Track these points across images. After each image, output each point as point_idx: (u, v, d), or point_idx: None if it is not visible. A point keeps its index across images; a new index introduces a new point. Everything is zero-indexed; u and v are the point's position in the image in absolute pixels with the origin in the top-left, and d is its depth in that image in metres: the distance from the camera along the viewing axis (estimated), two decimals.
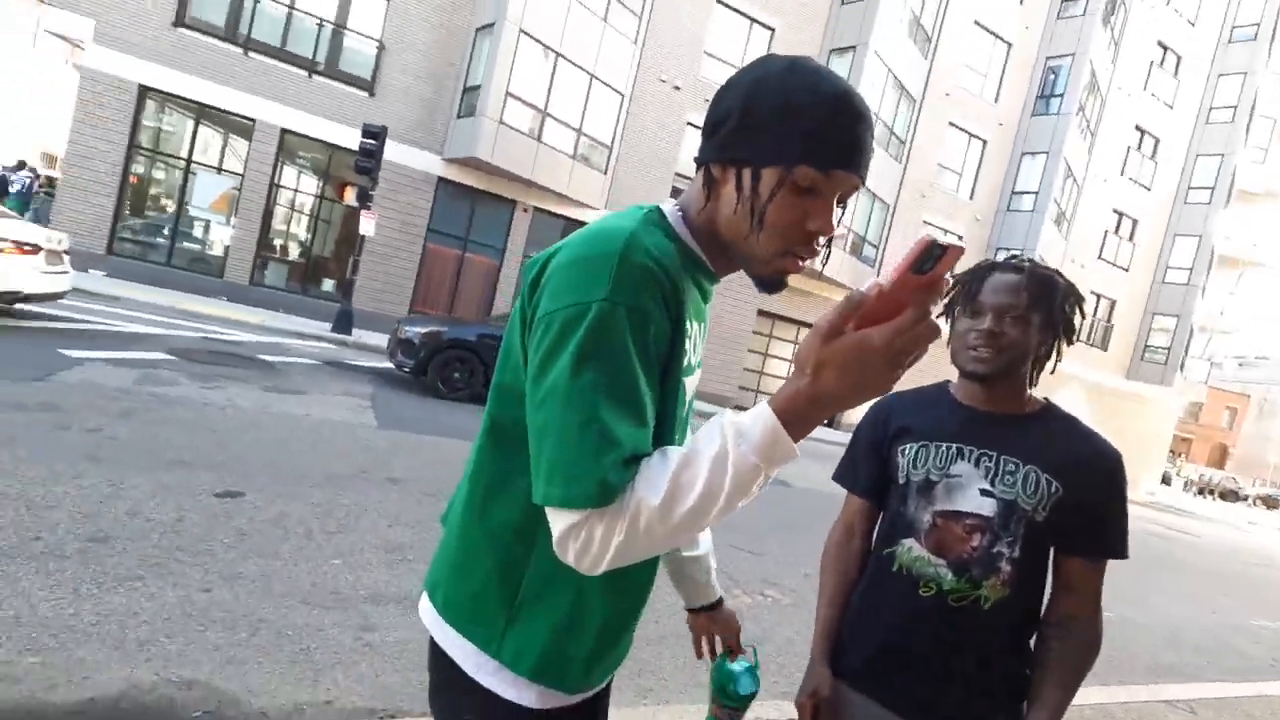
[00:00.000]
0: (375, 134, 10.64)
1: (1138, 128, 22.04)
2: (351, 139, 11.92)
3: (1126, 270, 22.73)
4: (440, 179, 13.13)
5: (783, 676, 2.91)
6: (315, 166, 12.74)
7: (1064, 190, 19.44)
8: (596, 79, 13.38)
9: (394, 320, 8.65)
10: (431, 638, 0.84)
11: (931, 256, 0.57)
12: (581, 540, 0.66)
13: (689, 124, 15.07)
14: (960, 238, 18.97)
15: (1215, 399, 45.70)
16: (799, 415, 0.62)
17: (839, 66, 15.91)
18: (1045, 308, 1.05)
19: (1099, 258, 22.06)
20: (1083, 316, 1.11)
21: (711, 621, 1.17)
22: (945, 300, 1.15)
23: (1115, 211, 22.17)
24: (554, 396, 0.66)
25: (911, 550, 1.10)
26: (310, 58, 12.09)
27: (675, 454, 0.65)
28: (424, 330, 7.86)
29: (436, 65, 12.84)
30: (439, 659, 0.83)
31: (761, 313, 16.89)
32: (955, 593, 1.05)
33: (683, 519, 0.63)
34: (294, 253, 12.95)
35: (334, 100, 12.25)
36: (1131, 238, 22.69)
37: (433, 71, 12.85)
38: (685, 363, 0.77)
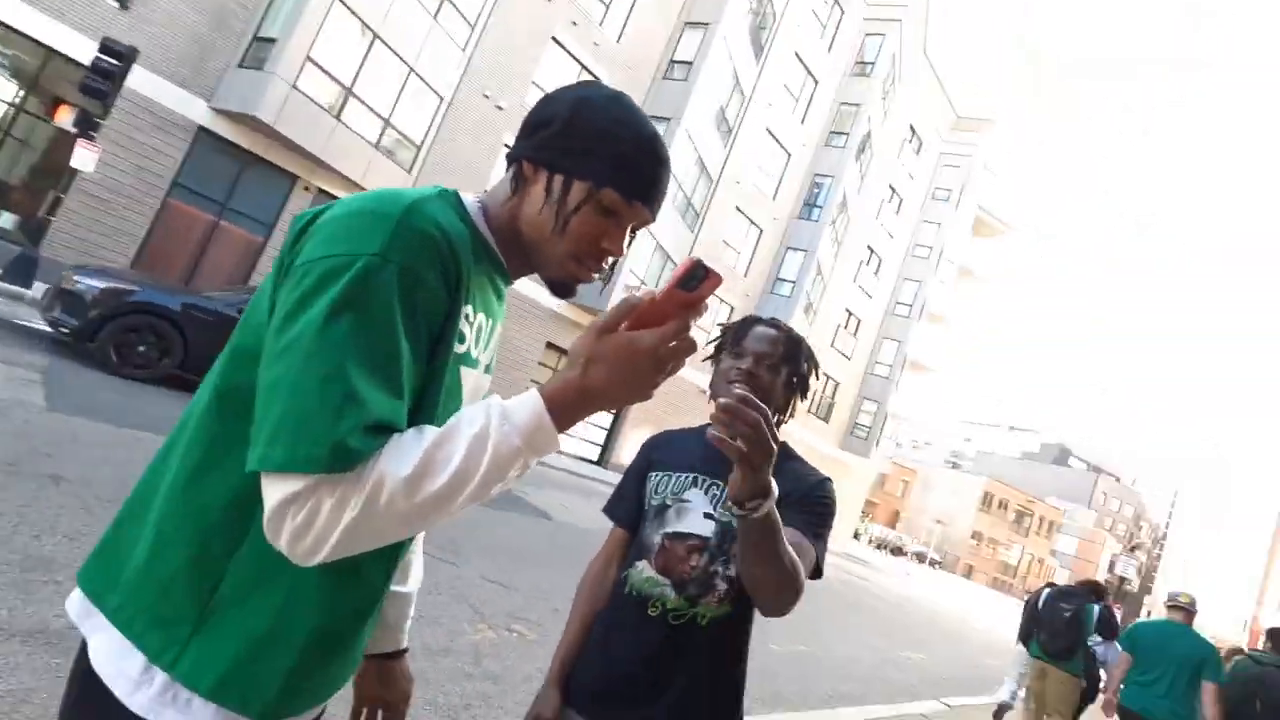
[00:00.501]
0: (119, 53, 8.66)
1: (868, 247, 27.37)
2: (85, 50, 9.57)
3: (849, 359, 27.69)
4: (202, 129, 11.11)
5: (518, 715, 2.80)
6: (18, 68, 9.92)
7: (814, 284, 23.19)
8: (416, 74, 12.64)
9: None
10: (78, 657, 0.68)
11: (695, 276, 0.64)
12: (304, 515, 0.56)
13: (506, 146, 14.96)
14: (732, 309, 21.43)
15: (895, 473, 57.18)
16: (567, 405, 0.63)
17: None
18: (793, 364, 1.21)
19: (831, 345, 26.56)
20: (817, 379, 1.30)
21: (381, 677, 0.98)
22: (714, 344, 1.27)
23: (847, 310, 27.03)
24: (295, 348, 0.59)
25: (643, 571, 1.15)
26: None
27: (431, 430, 0.62)
28: (102, 285, 6.18)
29: (197, 27, 11.00)
30: (84, 682, 0.66)
31: (550, 345, 17.04)
32: (675, 611, 1.11)
33: (431, 497, 0.59)
34: None
35: None
36: (855, 333, 27.80)
37: (215, 4, 10.99)
38: (463, 350, 0.73)
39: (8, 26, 9.49)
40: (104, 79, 8.59)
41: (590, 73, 16.37)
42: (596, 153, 0.73)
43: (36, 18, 9.60)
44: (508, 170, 0.79)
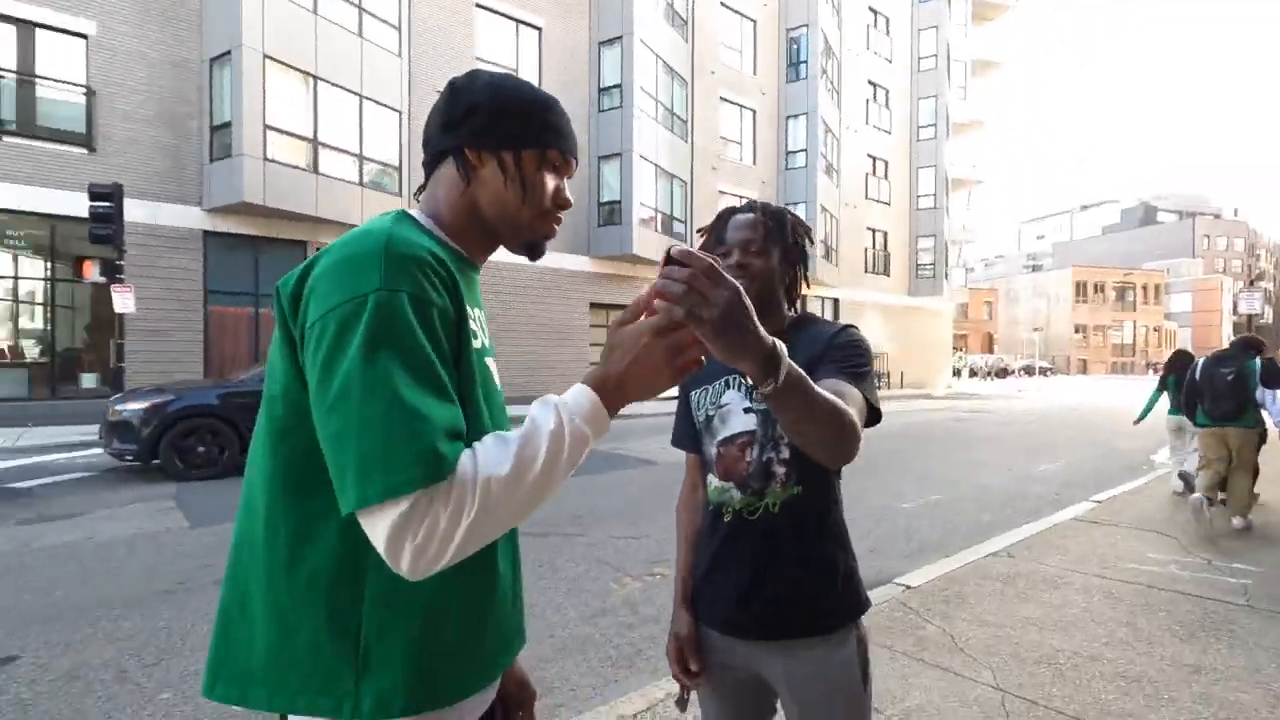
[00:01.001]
0: (107, 194, 9.03)
1: (870, 82, 25.49)
2: (77, 205, 10.04)
3: (889, 204, 26.33)
4: (206, 233, 11.54)
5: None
6: (34, 244, 10.56)
7: (827, 144, 21.97)
8: (367, 99, 12.53)
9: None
10: None
11: (674, 263, 0.68)
12: (423, 531, 0.61)
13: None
14: (754, 200, 20.68)
15: (975, 298, 54.80)
16: (607, 392, 0.71)
17: (610, 57, 16.44)
18: (780, 239, 1.18)
19: (866, 197, 25.30)
20: (811, 243, 1.25)
21: (508, 678, 1.00)
22: (701, 246, 1.22)
23: (869, 156, 25.53)
24: (348, 395, 0.63)
25: (712, 483, 1.19)
26: None
27: (512, 434, 0.68)
28: (143, 405, 6.65)
29: (169, 105, 11.19)
30: None
31: (594, 305, 17.11)
32: (747, 508, 1.14)
33: (531, 486, 0.66)
34: (30, 352, 10.67)
35: (39, 163, 10.20)
36: (886, 176, 26.30)
37: (166, 113, 11.18)
38: (480, 344, 0.80)
39: (10, 210, 10.05)
40: (105, 223, 9.01)
41: (528, 25, 15.70)
42: (529, 124, 0.83)
43: (28, 192, 10.11)
44: (439, 165, 0.85)
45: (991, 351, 52.48)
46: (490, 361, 0.85)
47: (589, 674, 2.76)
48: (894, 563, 4.28)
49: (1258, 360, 5.08)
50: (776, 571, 1.14)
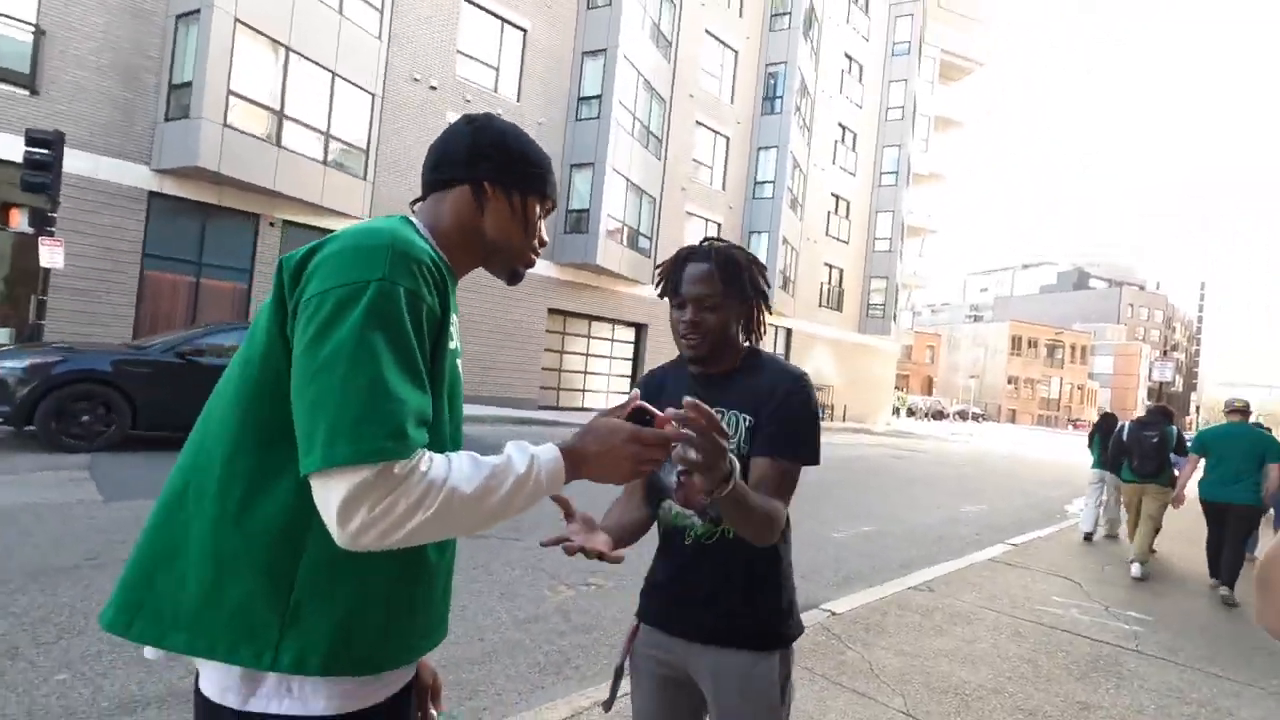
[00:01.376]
0: (46, 141, 8.49)
1: (840, 124, 26.47)
2: (13, 149, 9.41)
3: (847, 243, 27.28)
4: (152, 194, 10.97)
5: (614, 658, 3.00)
6: None
7: (794, 178, 22.64)
8: (340, 77, 12.23)
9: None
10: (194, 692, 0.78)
11: (641, 418, 0.88)
12: (381, 508, 0.66)
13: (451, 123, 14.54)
14: (719, 225, 21.09)
15: (919, 341, 57.13)
16: (573, 463, 0.83)
17: (593, 68, 16.57)
18: (737, 286, 1.20)
19: (826, 234, 26.14)
20: (767, 285, 1.29)
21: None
22: (658, 287, 1.28)
23: (833, 195, 26.43)
24: (334, 364, 0.69)
25: (671, 509, 1.26)
26: None
27: (487, 461, 0.76)
28: (23, 364, 5.98)
29: (126, 57, 10.65)
30: (204, 710, 0.76)
31: (553, 311, 17.04)
32: (704, 535, 1.22)
33: (484, 513, 0.74)
34: None
35: None
36: (847, 216, 27.27)
37: (121, 64, 10.63)
38: (454, 346, 0.88)
39: None
40: (41, 170, 8.46)
41: (511, 24, 15.67)
42: (536, 175, 0.98)
43: None
44: (456, 187, 0.95)
45: (930, 394, 54.69)
46: (459, 363, 0.92)
47: (516, 679, 2.75)
48: (822, 590, 4.41)
49: (1173, 428, 5.85)
50: (730, 590, 1.22)
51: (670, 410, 0.89)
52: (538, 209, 1.00)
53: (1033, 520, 8.02)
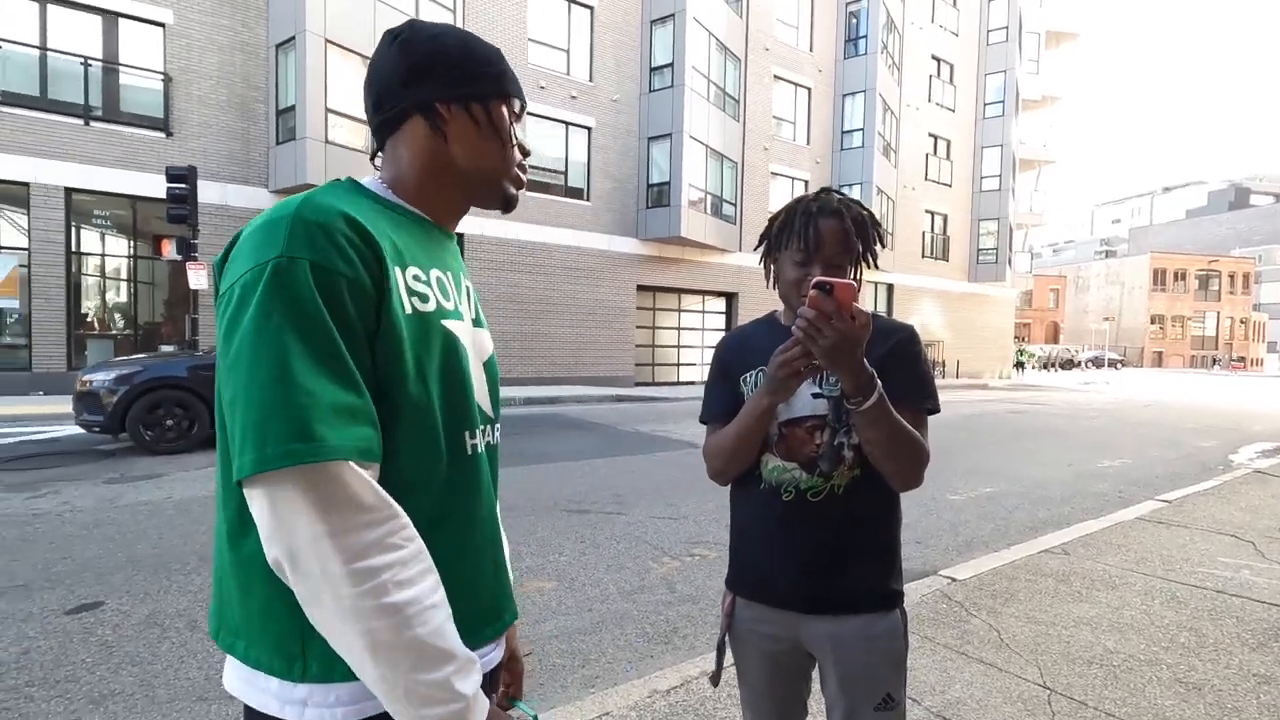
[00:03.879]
0: (182, 176, 9.54)
1: (934, 57, 24.35)
2: (156, 187, 10.65)
3: (950, 186, 25.24)
4: None
5: (717, 630, 3.00)
6: (119, 224, 11.27)
7: (885, 123, 21.17)
8: None
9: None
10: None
11: (823, 290, 0.93)
12: (286, 519, 0.60)
13: (530, 114, 14.80)
14: (806, 183, 20.18)
15: (1040, 284, 52.18)
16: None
17: (662, 35, 16.23)
18: (863, 247, 1.16)
19: (925, 179, 24.32)
20: (883, 246, 1.22)
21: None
22: (766, 241, 1.23)
23: (930, 135, 24.48)
24: (239, 362, 0.62)
25: (769, 463, 1.19)
26: (82, 103, 10.60)
27: (433, 591, 0.65)
28: (113, 375, 6.49)
29: (238, 91, 11.70)
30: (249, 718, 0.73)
31: (641, 288, 17.11)
32: (811, 489, 1.16)
33: (380, 624, 0.61)
34: (118, 324, 11.45)
35: (123, 146, 10.85)
36: (948, 156, 25.19)
37: (236, 97, 11.69)
38: (431, 307, 0.75)
39: (96, 191, 10.75)
40: (180, 203, 9.53)
41: (580, 4, 15.63)
42: (489, 73, 0.82)
43: (114, 175, 10.78)
44: (396, 128, 0.80)
45: (1056, 341, 50.02)
46: (459, 325, 0.80)
47: (625, 648, 2.81)
48: (940, 555, 4.17)
49: None
50: (838, 551, 1.17)
51: (816, 279, 0.95)
52: (506, 113, 0.83)
53: (1187, 474, 7.14)
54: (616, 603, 3.29)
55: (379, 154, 0.85)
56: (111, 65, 10.82)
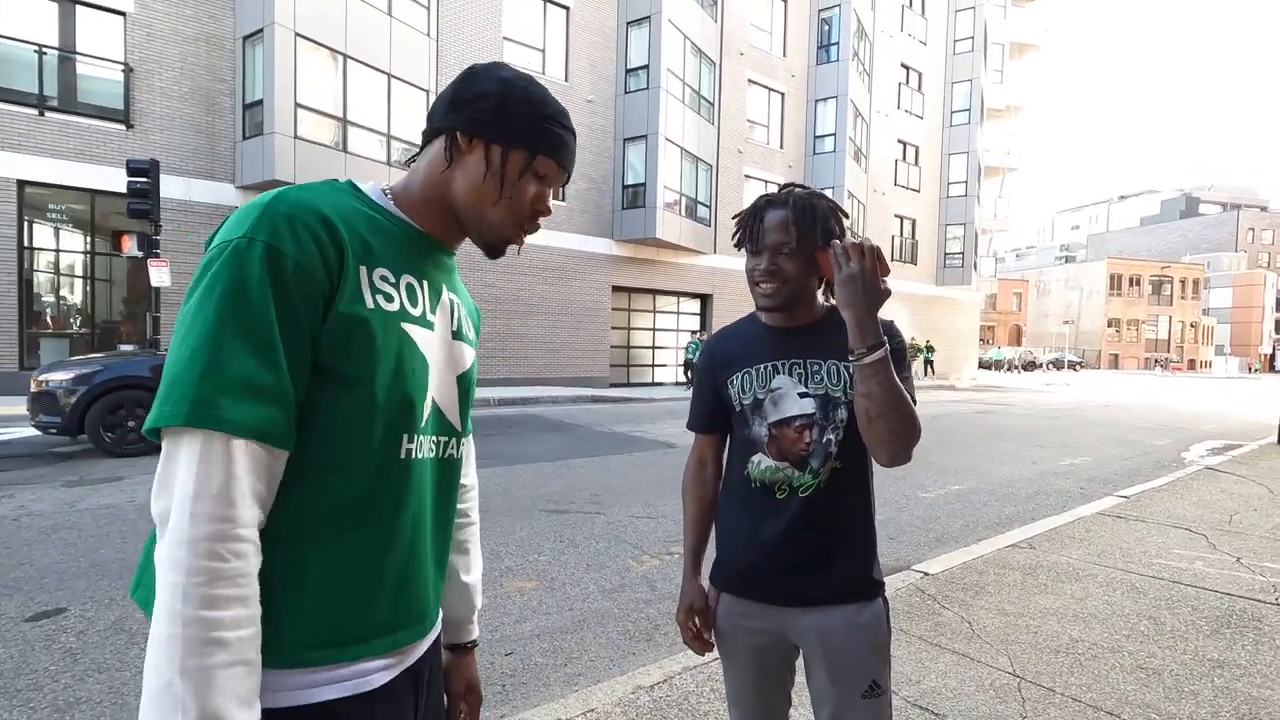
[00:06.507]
0: (144, 170, 9.24)
1: (903, 65, 24.90)
2: (116, 181, 10.29)
3: (918, 191, 25.82)
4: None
5: None
6: (76, 219, 10.86)
7: (856, 128, 21.56)
8: (395, 78, 12.59)
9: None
10: None
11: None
12: (169, 476, 0.63)
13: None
14: (779, 187, 20.37)
15: (1004, 288, 53.67)
16: None
17: (638, 37, 16.28)
18: (814, 234, 1.17)
19: (895, 184, 24.83)
20: (847, 230, 1.25)
21: (454, 669, 0.99)
22: (735, 237, 1.27)
23: (899, 141, 25.01)
24: (178, 329, 0.67)
25: (761, 463, 1.22)
26: (37, 93, 10.20)
27: (251, 582, 0.63)
28: (71, 375, 6.26)
29: (203, 84, 11.37)
30: None
31: (616, 288, 17.11)
32: (803, 487, 1.19)
33: (183, 593, 0.60)
34: (74, 323, 11.02)
35: (81, 138, 10.46)
36: (917, 162, 25.77)
37: (200, 91, 11.37)
38: (395, 308, 0.76)
39: (50, 185, 10.35)
40: (142, 198, 9.22)
41: (556, 4, 15.58)
42: (528, 126, 0.81)
43: (70, 168, 10.39)
44: (428, 144, 0.84)
45: (1019, 343, 51.45)
46: (422, 332, 0.79)
47: (607, 646, 2.82)
48: (913, 551, 4.27)
49: None
50: (825, 545, 1.20)
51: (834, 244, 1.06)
52: (522, 166, 0.82)
53: (1143, 470, 7.43)
54: (597, 601, 3.29)
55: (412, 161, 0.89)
56: (68, 54, 10.43)
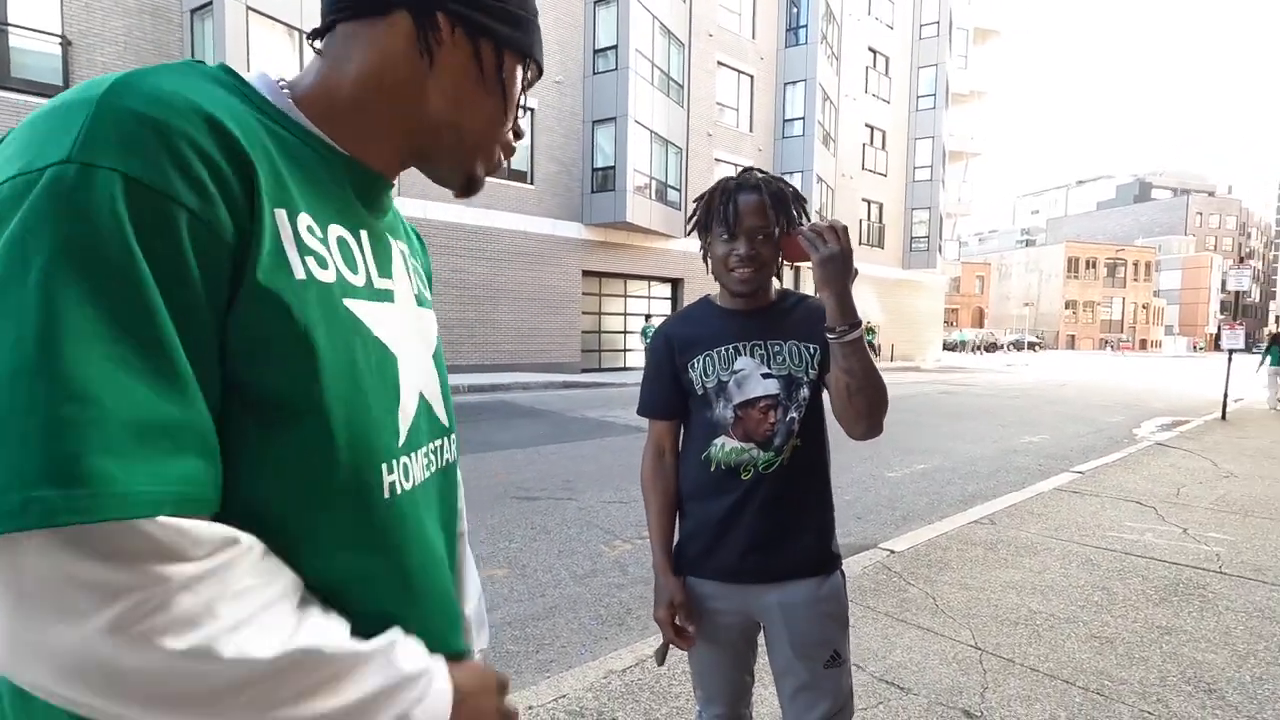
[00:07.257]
0: None
1: (870, 49, 25.04)
2: None
3: (885, 175, 26.13)
4: None
5: None
6: None
7: (824, 112, 21.65)
8: None
9: None
10: None
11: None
12: (21, 615, 0.35)
13: None
14: (750, 169, 20.41)
15: (967, 271, 54.89)
16: (458, 712, 0.52)
17: (605, 17, 16.01)
18: (784, 219, 1.19)
19: (862, 168, 25.07)
20: (806, 217, 1.25)
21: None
22: (693, 220, 1.25)
23: (868, 125, 25.22)
24: None
25: (724, 445, 1.23)
26: None
27: (317, 623, 0.44)
28: None
29: (148, 58, 10.83)
30: None
31: (587, 273, 16.98)
32: (766, 464, 1.21)
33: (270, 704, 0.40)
34: None
35: (15, 115, 9.88)
36: (884, 146, 26.04)
37: (144, 65, 10.80)
38: (330, 278, 0.50)
39: None
40: None
41: None
42: (526, 18, 0.60)
43: None
44: (360, 17, 0.55)
45: (982, 325, 52.81)
46: (370, 309, 0.54)
47: (580, 631, 2.82)
48: (879, 529, 4.36)
49: None
50: (787, 521, 1.23)
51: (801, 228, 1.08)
52: (519, 73, 0.61)
53: (1098, 447, 7.71)
54: (569, 587, 3.29)
55: (319, 39, 0.57)
56: None
